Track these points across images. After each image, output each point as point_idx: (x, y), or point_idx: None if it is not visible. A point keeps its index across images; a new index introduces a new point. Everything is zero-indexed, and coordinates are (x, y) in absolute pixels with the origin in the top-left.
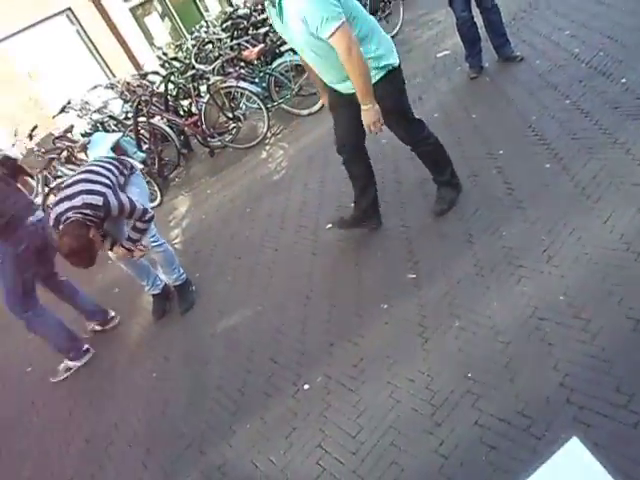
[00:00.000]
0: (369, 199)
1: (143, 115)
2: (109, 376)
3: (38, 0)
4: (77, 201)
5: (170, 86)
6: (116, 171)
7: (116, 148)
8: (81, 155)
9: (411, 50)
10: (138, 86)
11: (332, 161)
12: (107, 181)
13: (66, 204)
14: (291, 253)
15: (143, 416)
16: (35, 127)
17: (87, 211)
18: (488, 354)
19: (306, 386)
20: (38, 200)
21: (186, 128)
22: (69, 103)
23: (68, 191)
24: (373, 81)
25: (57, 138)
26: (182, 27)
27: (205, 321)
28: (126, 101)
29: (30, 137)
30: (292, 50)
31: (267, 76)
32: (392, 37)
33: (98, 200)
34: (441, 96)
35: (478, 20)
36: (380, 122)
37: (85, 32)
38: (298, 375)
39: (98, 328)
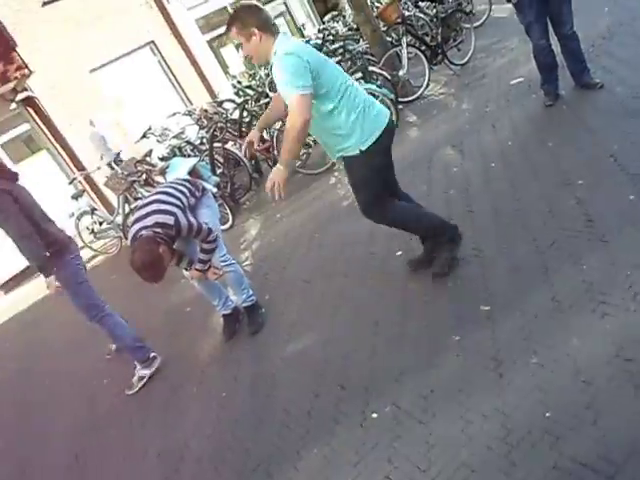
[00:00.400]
0: (432, 239)
1: (218, 141)
2: (180, 393)
3: (127, 34)
4: (149, 221)
5: (243, 113)
6: (188, 193)
7: (192, 172)
8: (159, 178)
9: (484, 77)
10: (215, 113)
11: (404, 188)
12: (178, 202)
13: (140, 224)
14: (360, 280)
15: (212, 435)
16: (119, 153)
17: (158, 229)
18: (568, 393)
19: (374, 415)
20: (119, 219)
21: (258, 154)
22: (150, 129)
23: (142, 212)
24: (344, 154)
25: (138, 162)
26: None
27: (274, 343)
28: (202, 127)
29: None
30: (362, 79)
31: None
32: (464, 64)
33: (169, 219)
34: (515, 124)
35: (555, 47)
36: (279, 189)
37: (166, 62)
38: (366, 403)
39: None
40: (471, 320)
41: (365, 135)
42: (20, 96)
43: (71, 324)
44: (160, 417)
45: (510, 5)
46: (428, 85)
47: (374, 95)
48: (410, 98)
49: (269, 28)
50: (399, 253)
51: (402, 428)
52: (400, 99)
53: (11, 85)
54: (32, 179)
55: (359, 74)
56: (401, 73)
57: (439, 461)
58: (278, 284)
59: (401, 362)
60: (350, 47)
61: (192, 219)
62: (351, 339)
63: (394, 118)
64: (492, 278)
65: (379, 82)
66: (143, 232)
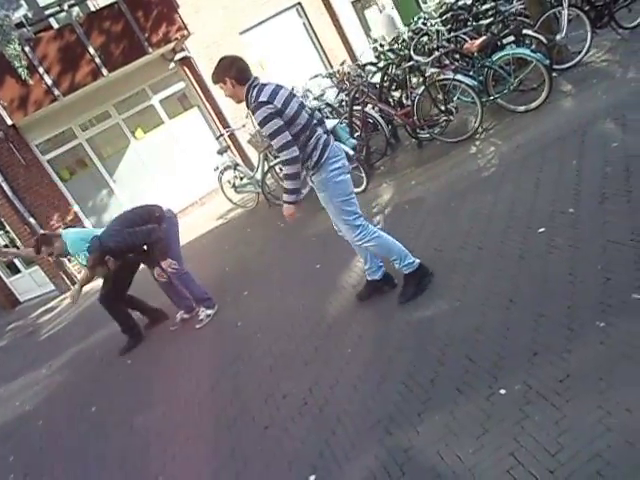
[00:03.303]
0: None
1: (358, 104)
2: (306, 344)
3: None
4: None
5: (384, 77)
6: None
7: (331, 134)
8: None
9: None
10: (357, 76)
11: (550, 162)
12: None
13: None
14: (496, 253)
15: (335, 386)
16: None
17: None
18: None
19: (502, 391)
20: (258, 176)
21: (397, 119)
22: (292, 90)
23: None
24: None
25: None
26: (400, 19)
27: (401, 308)
28: (342, 90)
29: None
30: (514, 42)
31: (485, 69)
32: (634, 28)
33: None
34: None
35: None
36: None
37: (310, 24)
38: (495, 378)
39: (186, 316)
40: (620, 308)
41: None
42: (178, 56)
43: None
44: (286, 364)
45: None
46: (589, 51)
47: (526, 61)
48: (567, 65)
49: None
50: (541, 230)
51: (532, 408)
52: (555, 66)
53: (171, 45)
54: (184, 133)
55: (511, 37)
56: (559, 37)
57: (571, 447)
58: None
59: (536, 342)
60: (502, 8)
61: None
62: (482, 312)
63: (546, 87)
64: None
65: (533, 46)
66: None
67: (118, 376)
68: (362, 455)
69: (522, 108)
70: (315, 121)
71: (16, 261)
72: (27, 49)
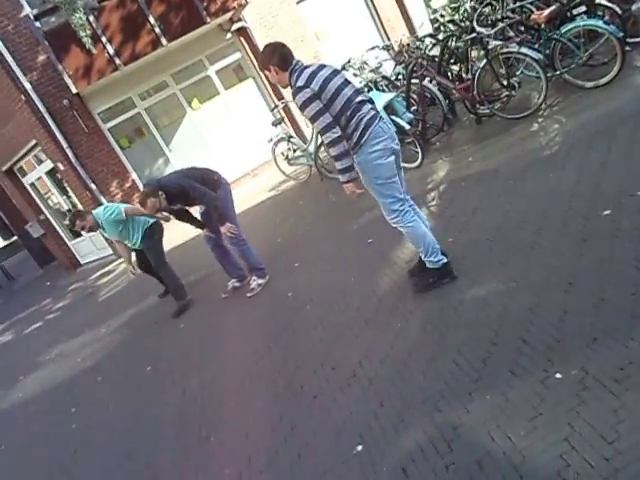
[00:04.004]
0: None
1: (416, 77)
2: (357, 317)
3: None
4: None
5: (444, 50)
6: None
7: (387, 107)
8: None
9: None
10: (416, 48)
11: (619, 142)
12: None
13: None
14: (556, 235)
15: (385, 360)
16: None
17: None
18: None
19: (558, 375)
20: (311, 148)
21: (455, 93)
22: (349, 62)
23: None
24: None
25: None
26: None
27: (454, 285)
28: (399, 63)
29: None
30: (585, 13)
31: (553, 42)
32: None
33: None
34: None
35: None
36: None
37: None
38: (550, 362)
39: (237, 285)
40: None
41: None
42: (235, 26)
43: None
44: (336, 336)
45: None
46: None
47: (597, 33)
48: None
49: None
50: (607, 212)
51: (589, 394)
52: (629, 39)
53: (229, 15)
54: (238, 104)
55: (582, 8)
56: (634, 7)
57: (629, 436)
58: (463, 228)
59: (596, 328)
60: None
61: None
62: (539, 294)
63: (619, 62)
64: None
65: (606, 18)
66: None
67: (171, 339)
68: (410, 429)
69: (591, 84)
70: (359, 99)
71: None
72: (91, 18)
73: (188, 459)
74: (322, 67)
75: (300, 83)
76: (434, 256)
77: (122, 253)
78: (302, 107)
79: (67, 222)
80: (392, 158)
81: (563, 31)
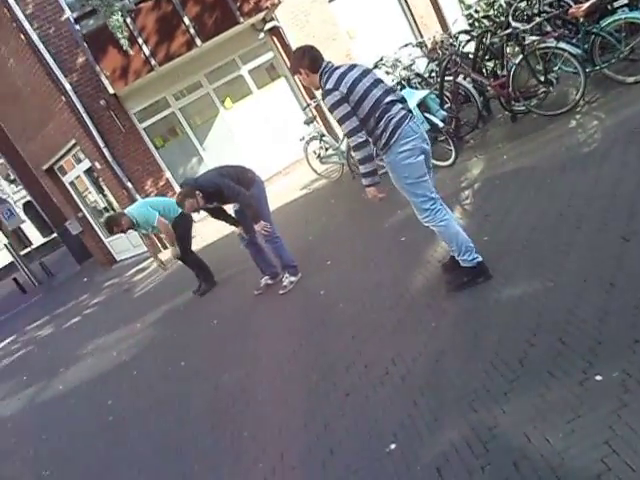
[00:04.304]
0: None
1: (450, 74)
2: (389, 314)
3: None
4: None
5: (479, 46)
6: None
7: (421, 105)
8: None
9: None
10: (450, 44)
11: None
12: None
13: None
14: (596, 234)
15: (418, 359)
16: None
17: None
18: None
19: (598, 377)
20: (343, 147)
21: (490, 90)
22: (381, 60)
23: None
24: None
25: None
26: None
27: (488, 285)
28: (432, 60)
29: None
30: (627, 5)
31: (592, 36)
32: None
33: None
34: None
35: None
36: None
37: None
38: (590, 364)
39: (270, 282)
40: None
41: None
42: (268, 26)
43: None
44: (368, 334)
45: None
46: None
47: (639, 26)
48: None
49: None
50: None
51: (631, 397)
52: None
53: (262, 15)
54: (271, 103)
55: (623, 0)
56: None
57: None
58: (499, 227)
59: (638, 329)
60: None
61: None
62: (578, 295)
63: None
64: None
65: None
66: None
67: (205, 335)
68: (444, 429)
69: (632, 79)
70: (389, 99)
71: None
72: (128, 20)
73: (222, 453)
74: (352, 67)
75: (329, 85)
76: (468, 255)
77: (154, 250)
78: (331, 109)
79: (104, 229)
80: (422, 157)
81: (603, 25)
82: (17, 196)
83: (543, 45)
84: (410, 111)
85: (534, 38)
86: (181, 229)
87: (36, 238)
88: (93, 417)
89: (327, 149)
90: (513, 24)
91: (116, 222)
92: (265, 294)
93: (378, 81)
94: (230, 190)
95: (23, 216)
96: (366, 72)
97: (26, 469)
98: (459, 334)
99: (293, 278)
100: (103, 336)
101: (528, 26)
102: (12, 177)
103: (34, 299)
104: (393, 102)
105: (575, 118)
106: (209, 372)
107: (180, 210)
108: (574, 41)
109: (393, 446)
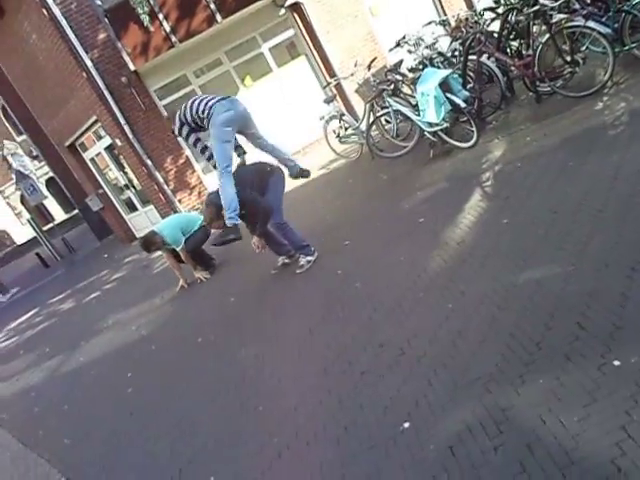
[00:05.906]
0: None
1: (473, 53)
2: (408, 295)
3: None
4: None
5: (505, 25)
6: None
7: (443, 84)
8: (405, 89)
9: None
10: (475, 22)
11: None
12: None
13: None
14: (619, 218)
15: (434, 340)
16: (374, 59)
17: None
18: None
19: (617, 362)
20: (363, 126)
21: (515, 70)
22: (404, 38)
23: None
24: None
25: (389, 71)
26: None
27: (507, 267)
28: (456, 38)
29: (369, 68)
30: None
31: (622, 14)
32: None
33: None
34: None
35: None
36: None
37: None
38: (608, 348)
39: (287, 261)
40: None
41: None
42: (289, 2)
43: None
44: (384, 314)
45: None
46: None
47: None
48: None
49: None
50: None
51: None
52: None
53: None
54: (291, 82)
55: None
56: None
57: None
58: (519, 209)
59: None
60: None
61: None
62: (598, 279)
63: None
64: None
65: None
66: None
67: (222, 312)
68: (459, 409)
69: None
70: None
71: (133, 199)
72: None
73: (237, 426)
74: None
75: None
76: None
77: (178, 268)
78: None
79: (142, 249)
80: None
81: (634, 2)
82: (40, 172)
83: (571, 24)
84: None
85: (562, 16)
86: (198, 241)
87: (58, 214)
88: (113, 388)
89: (347, 129)
90: (540, 1)
91: (151, 241)
92: (282, 273)
93: None
94: (248, 201)
95: (46, 192)
96: None
97: (48, 437)
98: (476, 316)
99: (310, 258)
100: (122, 311)
101: (556, 4)
102: (35, 153)
103: (56, 274)
104: None
105: (602, 100)
106: (225, 348)
107: (200, 223)
108: (603, 20)
109: (407, 425)
